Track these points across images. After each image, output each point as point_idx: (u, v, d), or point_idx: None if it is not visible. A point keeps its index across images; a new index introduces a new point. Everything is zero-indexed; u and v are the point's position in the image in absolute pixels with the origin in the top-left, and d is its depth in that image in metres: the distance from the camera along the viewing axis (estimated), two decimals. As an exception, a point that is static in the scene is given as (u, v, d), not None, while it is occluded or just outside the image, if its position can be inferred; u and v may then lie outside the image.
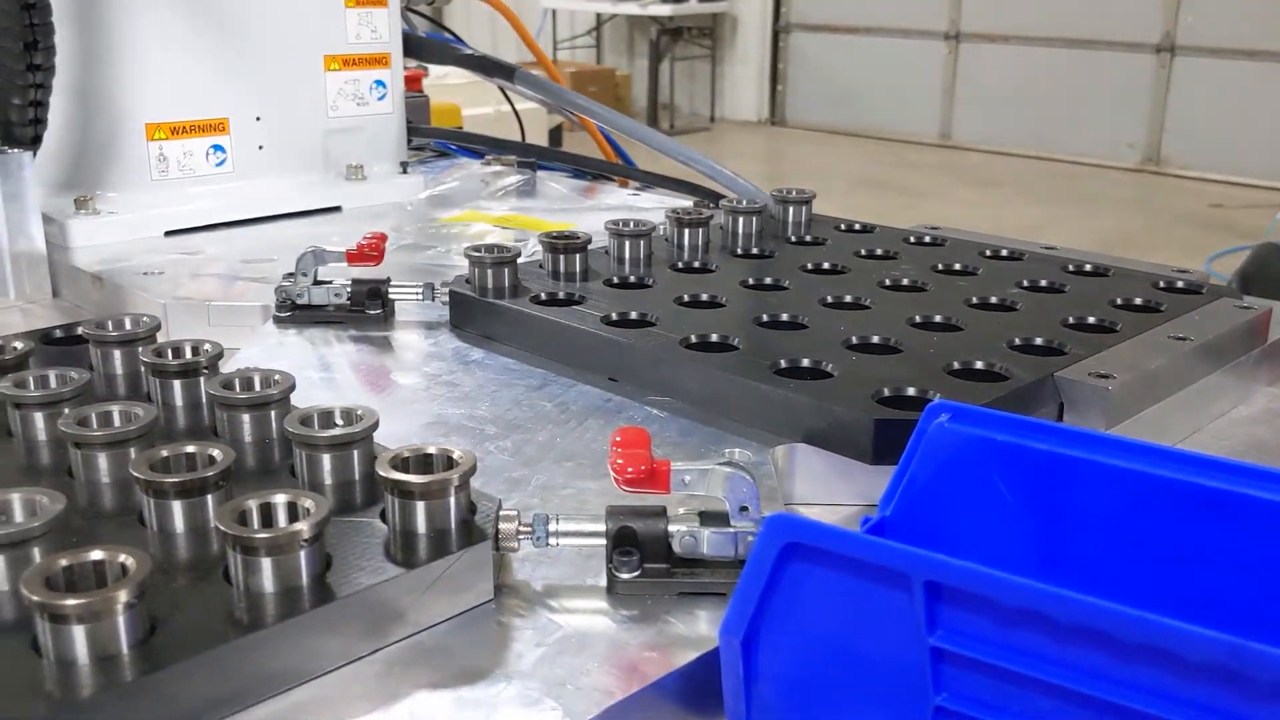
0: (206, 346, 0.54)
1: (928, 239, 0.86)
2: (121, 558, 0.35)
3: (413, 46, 1.09)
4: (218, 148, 0.96)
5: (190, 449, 0.42)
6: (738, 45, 6.65)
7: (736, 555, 0.41)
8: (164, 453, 0.42)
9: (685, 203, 1.06)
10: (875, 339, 0.63)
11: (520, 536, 0.42)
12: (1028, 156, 5.51)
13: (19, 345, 0.55)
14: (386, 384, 0.62)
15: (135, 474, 0.40)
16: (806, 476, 0.54)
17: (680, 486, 0.41)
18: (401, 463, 0.42)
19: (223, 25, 0.94)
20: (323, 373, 0.64)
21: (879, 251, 0.82)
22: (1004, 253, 0.82)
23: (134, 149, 0.92)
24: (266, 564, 0.37)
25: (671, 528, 0.42)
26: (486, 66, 1.07)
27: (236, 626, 0.35)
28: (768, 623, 0.35)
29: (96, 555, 0.35)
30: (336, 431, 0.45)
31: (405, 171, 1.07)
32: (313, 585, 0.38)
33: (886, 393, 0.55)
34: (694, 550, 0.41)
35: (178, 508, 0.41)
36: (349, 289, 0.71)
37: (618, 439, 0.43)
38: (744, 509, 0.41)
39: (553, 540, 0.42)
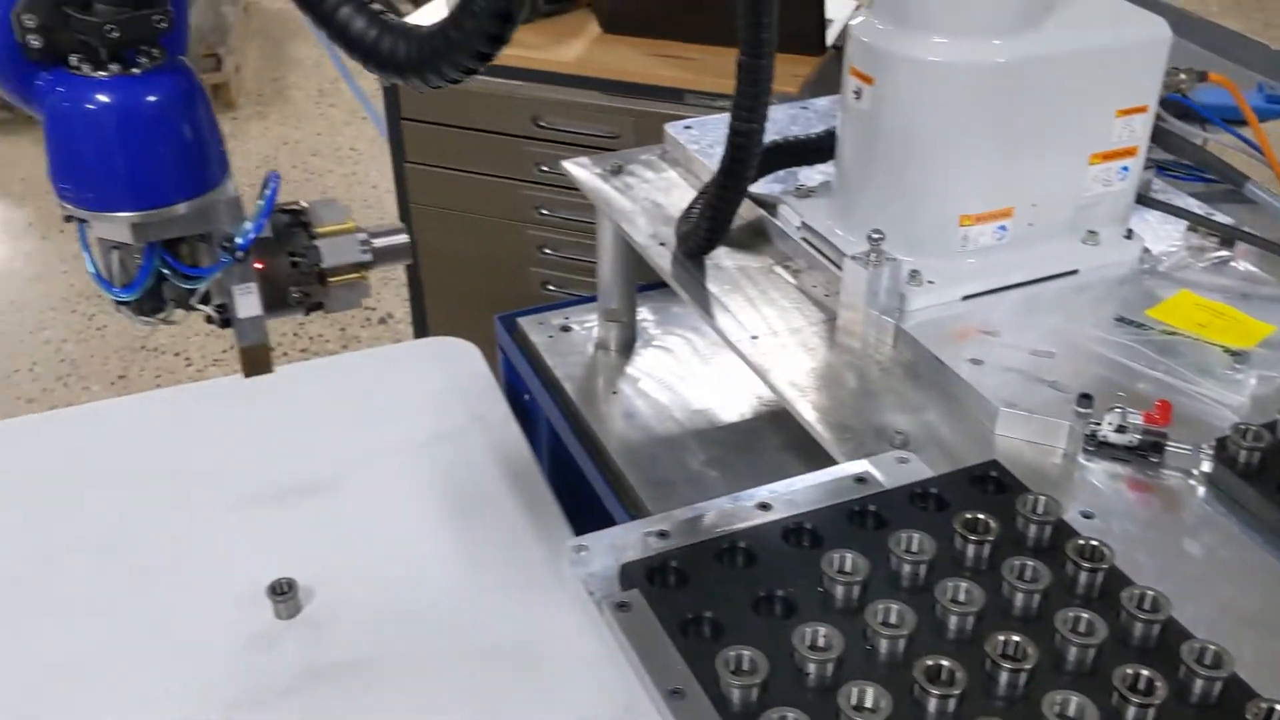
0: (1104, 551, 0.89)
1: None
2: None
3: (1158, 136, 1.32)
4: (1001, 228, 1.28)
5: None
6: None
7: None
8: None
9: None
10: None
11: None
12: None
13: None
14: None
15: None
16: None
17: None
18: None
19: (1020, 146, 1.23)
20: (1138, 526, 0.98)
21: None
22: None
23: (949, 233, 1.26)
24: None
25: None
26: (1218, 166, 1.28)
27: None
28: None
29: None
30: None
31: (1129, 237, 1.34)
32: None
33: None
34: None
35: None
36: (1139, 438, 1.04)
37: None
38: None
39: None
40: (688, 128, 1.63)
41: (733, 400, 1.61)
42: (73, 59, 0.85)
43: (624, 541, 0.93)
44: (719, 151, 1.55)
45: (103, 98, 0.85)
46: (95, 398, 3.06)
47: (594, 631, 1.24)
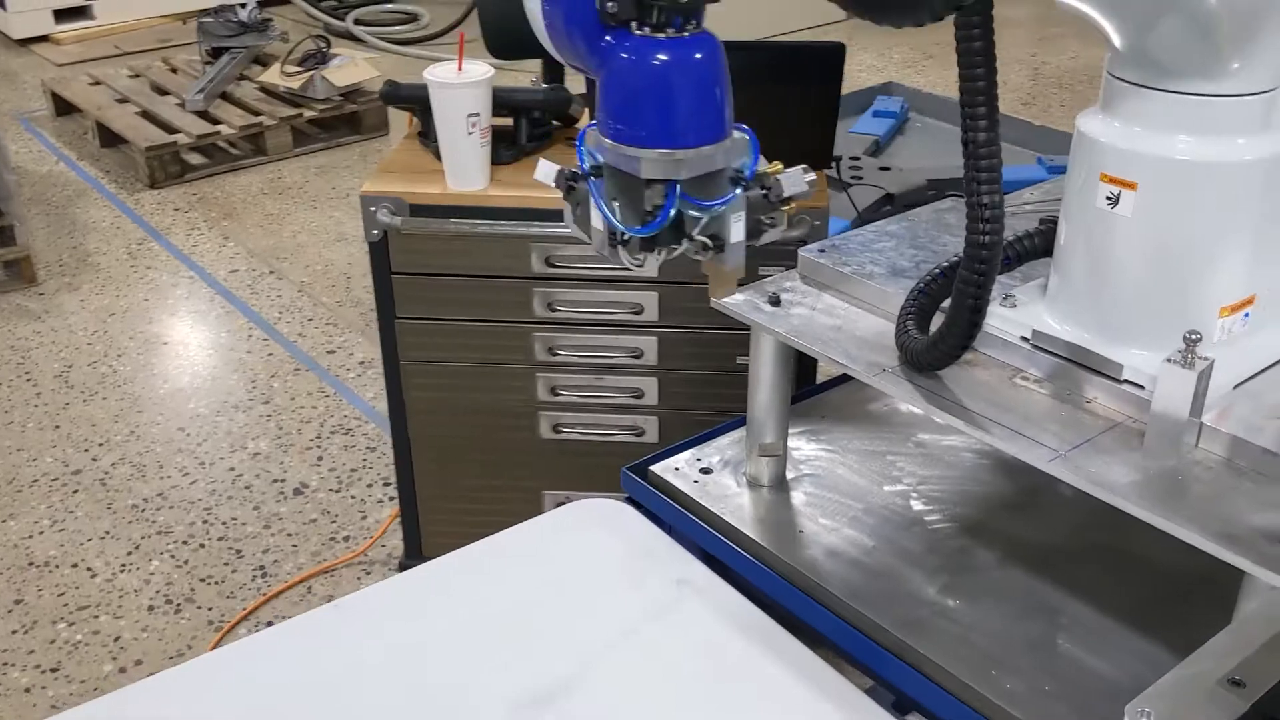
0: None
1: None
2: None
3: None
4: (1245, 314, 1.30)
5: None
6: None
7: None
8: None
9: None
10: None
11: None
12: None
13: None
14: None
15: None
16: None
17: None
18: None
19: (1271, 236, 1.27)
20: None
21: None
22: None
23: (1209, 326, 1.26)
24: None
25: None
26: None
27: None
28: None
29: None
30: None
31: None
32: None
33: None
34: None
35: None
36: None
37: None
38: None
39: None
40: (822, 251, 1.58)
41: (922, 521, 1.55)
42: (633, 25, 1.07)
43: (1184, 696, 0.86)
44: (876, 270, 1.54)
45: (664, 55, 1.07)
46: (-12, 629, 2.61)
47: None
